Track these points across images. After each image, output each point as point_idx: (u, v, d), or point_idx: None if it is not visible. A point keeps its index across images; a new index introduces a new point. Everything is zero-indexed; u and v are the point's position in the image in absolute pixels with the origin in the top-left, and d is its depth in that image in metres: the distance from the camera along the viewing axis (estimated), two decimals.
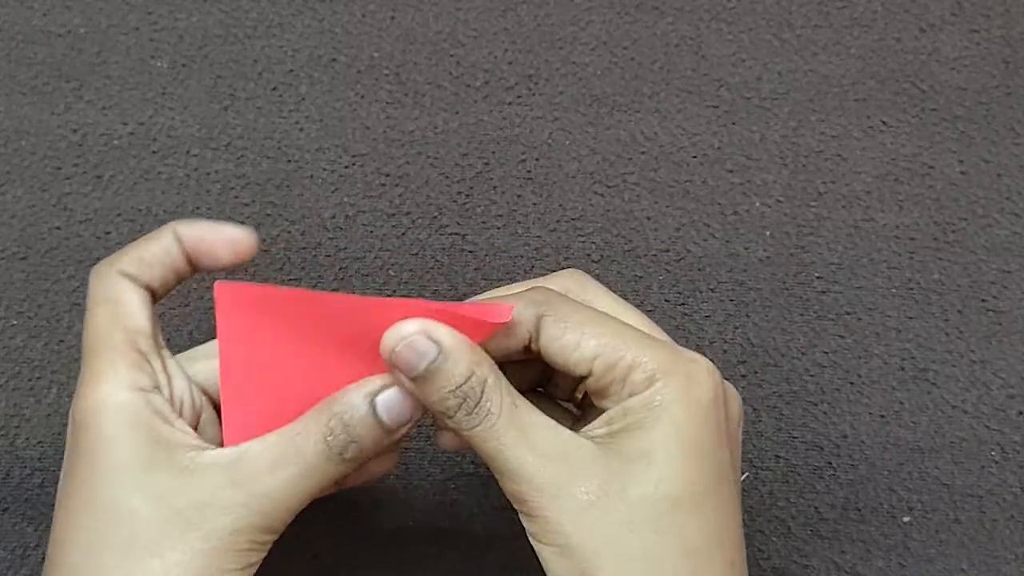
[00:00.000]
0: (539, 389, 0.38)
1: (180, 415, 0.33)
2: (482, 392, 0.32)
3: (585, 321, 0.33)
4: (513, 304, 0.33)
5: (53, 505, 0.41)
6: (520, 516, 0.33)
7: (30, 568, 0.41)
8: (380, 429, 0.33)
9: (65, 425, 0.42)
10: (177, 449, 0.32)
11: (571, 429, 0.35)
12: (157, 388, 0.33)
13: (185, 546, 0.31)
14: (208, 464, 0.32)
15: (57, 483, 0.42)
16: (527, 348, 0.34)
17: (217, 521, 0.31)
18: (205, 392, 0.35)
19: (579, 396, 0.37)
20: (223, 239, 0.35)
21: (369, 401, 0.33)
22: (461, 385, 0.32)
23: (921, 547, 0.43)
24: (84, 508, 0.32)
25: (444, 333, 0.32)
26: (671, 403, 0.32)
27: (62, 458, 0.42)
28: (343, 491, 0.36)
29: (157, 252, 0.34)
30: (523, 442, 0.32)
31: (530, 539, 0.32)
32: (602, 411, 0.34)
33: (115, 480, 0.31)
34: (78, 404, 0.32)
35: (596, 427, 0.33)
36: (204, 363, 0.35)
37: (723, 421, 0.33)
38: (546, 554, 0.32)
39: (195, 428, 0.34)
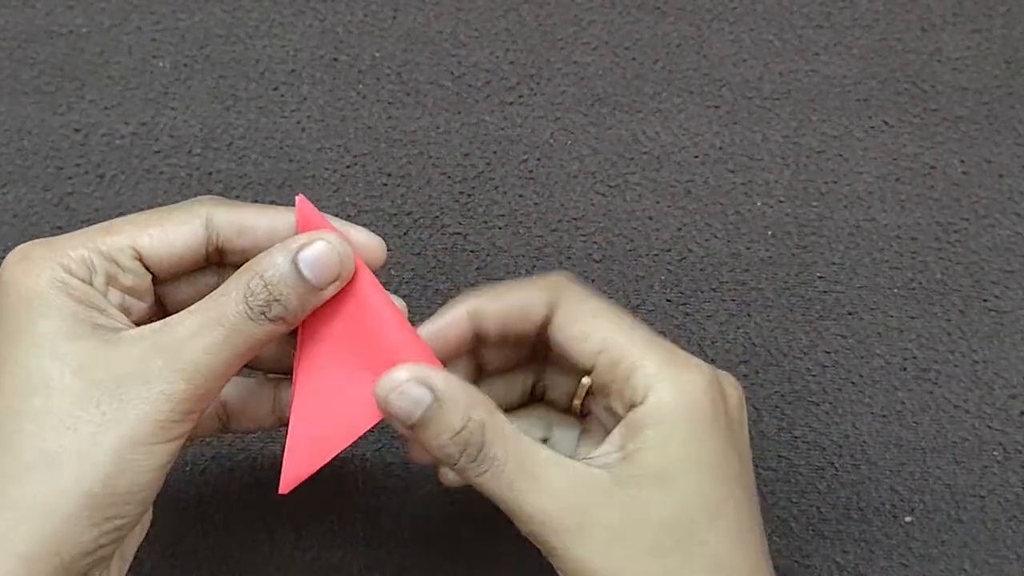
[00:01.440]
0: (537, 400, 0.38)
1: (125, 313, 0.32)
2: (483, 436, 0.31)
3: (596, 313, 0.33)
4: (527, 291, 0.34)
5: None
6: (543, 552, 0.32)
7: None
8: (305, 287, 0.32)
9: None
10: (103, 327, 0.31)
11: (577, 436, 0.35)
12: (91, 283, 0.32)
13: (102, 417, 0.30)
14: (132, 336, 0.31)
15: None
16: (540, 332, 0.34)
17: (137, 391, 0.30)
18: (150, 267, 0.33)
19: (578, 404, 0.36)
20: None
21: (291, 258, 0.31)
22: (459, 432, 0.31)
23: (923, 547, 0.43)
24: (3, 373, 0.30)
25: (438, 378, 0.32)
26: (675, 420, 0.32)
27: None
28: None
29: (263, 221, 0.33)
30: (536, 486, 0.31)
31: (557, 570, 0.32)
32: (604, 418, 0.34)
33: (37, 348, 0.30)
34: (16, 264, 0.31)
35: (608, 452, 0.33)
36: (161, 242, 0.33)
37: (725, 428, 0.33)
38: None
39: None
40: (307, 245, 0.32)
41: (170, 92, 0.47)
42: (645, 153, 0.46)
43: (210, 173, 0.46)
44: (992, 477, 0.43)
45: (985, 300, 0.45)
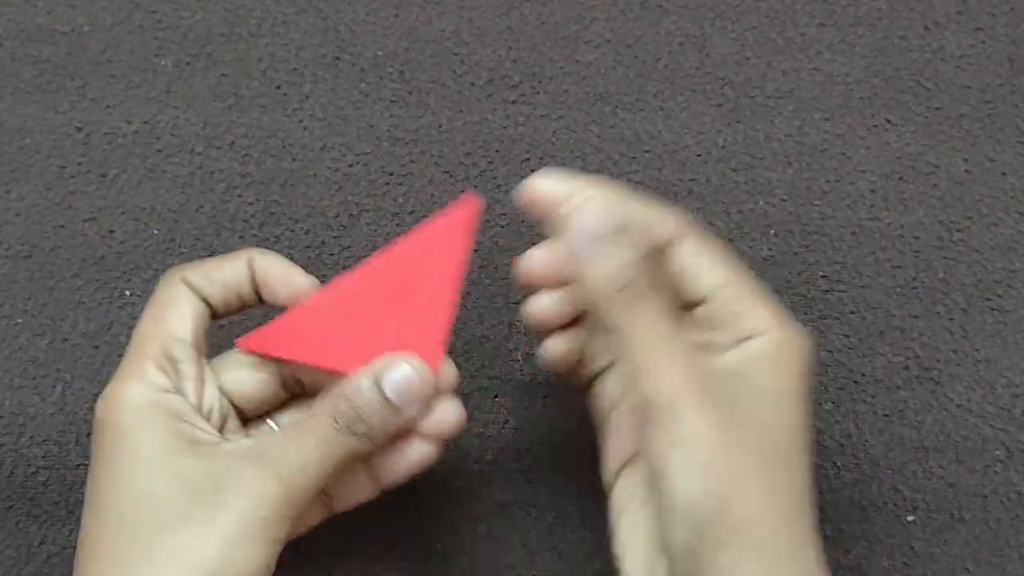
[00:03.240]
0: None
1: (208, 420, 0.35)
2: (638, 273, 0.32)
3: (720, 251, 0.35)
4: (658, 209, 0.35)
5: (57, 503, 0.42)
6: (650, 428, 0.32)
7: (35, 566, 0.42)
8: (389, 408, 0.34)
9: (69, 423, 0.42)
10: (200, 443, 0.33)
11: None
12: (180, 391, 0.34)
13: (207, 523, 0.31)
14: (228, 449, 0.33)
15: (60, 482, 0.42)
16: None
17: (239, 497, 0.32)
18: (231, 399, 0.36)
19: None
20: (284, 279, 0.36)
21: (375, 381, 0.34)
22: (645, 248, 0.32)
23: (925, 546, 0.43)
24: (108, 497, 0.32)
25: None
26: (788, 356, 0.33)
27: (67, 456, 0.42)
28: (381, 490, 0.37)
29: (227, 272, 0.36)
30: (668, 348, 0.32)
31: (655, 458, 0.31)
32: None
33: (136, 467, 0.32)
34: (100, 403, 0.33)
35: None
36: (232, 372, 0.36)
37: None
38: (676, 458, 0.31)
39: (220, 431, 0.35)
40: (389, 368, 0.34)
41: (172, 91, 0.46)
42: (647, 152, 0.46)
43: (212, 172, 0.46)
44: (995, 476, 0.43)
45: (988, 299, 0.45)
